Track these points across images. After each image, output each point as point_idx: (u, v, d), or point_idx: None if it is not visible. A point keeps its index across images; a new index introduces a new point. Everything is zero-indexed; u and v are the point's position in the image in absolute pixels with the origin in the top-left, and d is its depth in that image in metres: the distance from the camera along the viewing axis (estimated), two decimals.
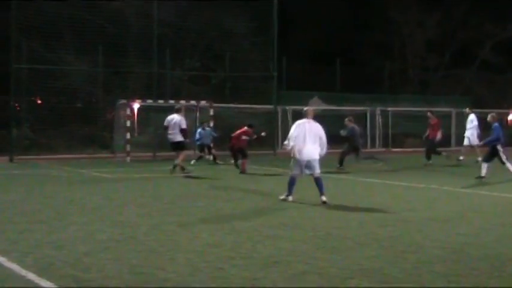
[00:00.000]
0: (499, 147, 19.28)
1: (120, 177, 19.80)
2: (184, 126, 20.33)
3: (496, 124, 19.63)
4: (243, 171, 21.29)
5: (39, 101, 34.08)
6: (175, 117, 20.35)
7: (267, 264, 8.09)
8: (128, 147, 27.01)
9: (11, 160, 26.03)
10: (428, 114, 26.22)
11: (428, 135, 25.47)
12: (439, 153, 25.23)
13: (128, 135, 27.08)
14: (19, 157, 26.53)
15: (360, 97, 38.32)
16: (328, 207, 13.35)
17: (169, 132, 20.29)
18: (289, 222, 11.31)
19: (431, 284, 7.24)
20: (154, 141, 29.36)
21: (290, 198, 14.17)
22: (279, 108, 33.73)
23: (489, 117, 19.97)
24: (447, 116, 37.75)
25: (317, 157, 14.07)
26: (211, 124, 27.57)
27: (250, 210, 12.94)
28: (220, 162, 25.23)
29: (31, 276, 7.43)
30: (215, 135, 26.87)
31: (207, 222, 11.34)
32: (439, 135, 25.12)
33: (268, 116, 33.17)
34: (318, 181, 14.06)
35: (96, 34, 31.26)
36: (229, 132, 33.18)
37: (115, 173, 20.61)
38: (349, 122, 23.51)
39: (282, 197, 14.24)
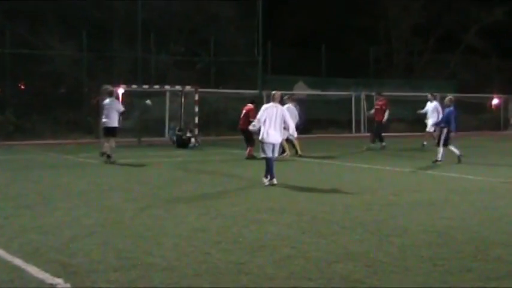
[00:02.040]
0: (444, 130, 19.39)
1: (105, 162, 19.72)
2: (123, 109, 19.98)
3: (451, 108, 19.60)
4: (248, 157, 20.86)
5: (22, 86, 33.87)
6: (110, 101, 19.76)
7: (253, 249, 8.11)
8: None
9: None
10: (376, 96, 26.59)
11: (374, 117, 25.76)
12: (381, 139, 25.26)
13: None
14: (3, 142, 26.38)
15: (345, 81, 38.40)
16: (312, 191, 13.43)
17: (104, 116, 19.67)
18: (275, 207, 11.34)
19: (416, 268, 7.29)
20: (139, 126, 29.29)
21: (274, 180, 14.29)
22: (264, 93, 33.65)
23: (446, 100, 19.93)
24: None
25: (279, 141, 14.87)
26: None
27: (236, 195, 12.95)
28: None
29: (17, 261, 7.41)
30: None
31: (193, 207, 11.32)
32: (385, 117, 25.26)
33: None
34: None
35: (81, 18, 31.08)
36: (213, 117, 33.41)
37: (100, 159, 20.52)
38: (287, 100, 22.30)
39: (267, 183, 14.29)
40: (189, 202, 11.88)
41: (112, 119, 19.49)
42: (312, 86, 37.73)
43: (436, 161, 19.22)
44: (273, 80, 35.70)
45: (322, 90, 36.81)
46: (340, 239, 8.69)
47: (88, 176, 16.15)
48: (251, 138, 20.91)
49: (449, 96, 20.27)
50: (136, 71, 31.10)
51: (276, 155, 14.77)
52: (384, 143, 24.97)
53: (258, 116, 14.68)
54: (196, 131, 26.92)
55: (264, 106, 15.04)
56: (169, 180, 15.35)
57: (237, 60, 35.05)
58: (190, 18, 35.57)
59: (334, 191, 13.59)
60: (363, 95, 37.30)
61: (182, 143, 25.66)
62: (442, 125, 19.72)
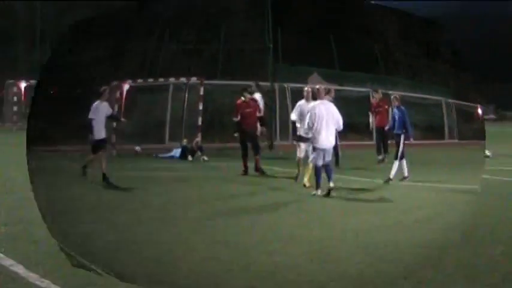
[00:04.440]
0: (402, 137, 17.51)
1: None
2: (111, 111, 17.41)
3: (402, 108, 17.69)
4: (256, 169, 19.17)
5: None
6: (101, 105, 16.77)
7: (263, 277, 8.57)
8: (114, 138, 22.25)
9: None
10: (375, 94, 23.41)
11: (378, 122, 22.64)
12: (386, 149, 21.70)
13: (114, 124, 21.65)
14: None
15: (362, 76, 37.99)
16: (324, 212, 13.79)
17: (95, 125, 16.46)
18: (285, 234, 11.40)
19: None
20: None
21: (319, 191, 14.56)
22: (277, 85, 32.70)
23: (394, 99, 18.10)
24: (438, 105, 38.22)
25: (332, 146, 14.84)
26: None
27: (245, 221, 12.80)
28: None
29: None
30: None
31: (201, 234, 11.37)
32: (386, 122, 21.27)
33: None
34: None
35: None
36: (217, 117, 33.02)
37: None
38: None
39: (313, 192, 14.57)
40: (196, 229, 11.82)
41: (103, 129, 16.90)
42: (325, 79, 37.52)
43: (404, 178, 17.46)
44: (285, 69, 35.50)
45: (339, 85, 36.37)
46: (351, 266, 9.10)
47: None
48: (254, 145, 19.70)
49: (395, 95, 18.33)
50: (143, 65, 31.25)
51: (329, 159, 14.39)
52: (381, 156, 21.79)
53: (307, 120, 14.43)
54: (199, 137, 25.51)
55: (310, 105, 14.77)
56: (173, 201, 14.81)
57: (245, 47, 35.21)
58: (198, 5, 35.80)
59: (344, 211, 13.77)
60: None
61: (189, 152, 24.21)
62: (399, 131, 17.40)
